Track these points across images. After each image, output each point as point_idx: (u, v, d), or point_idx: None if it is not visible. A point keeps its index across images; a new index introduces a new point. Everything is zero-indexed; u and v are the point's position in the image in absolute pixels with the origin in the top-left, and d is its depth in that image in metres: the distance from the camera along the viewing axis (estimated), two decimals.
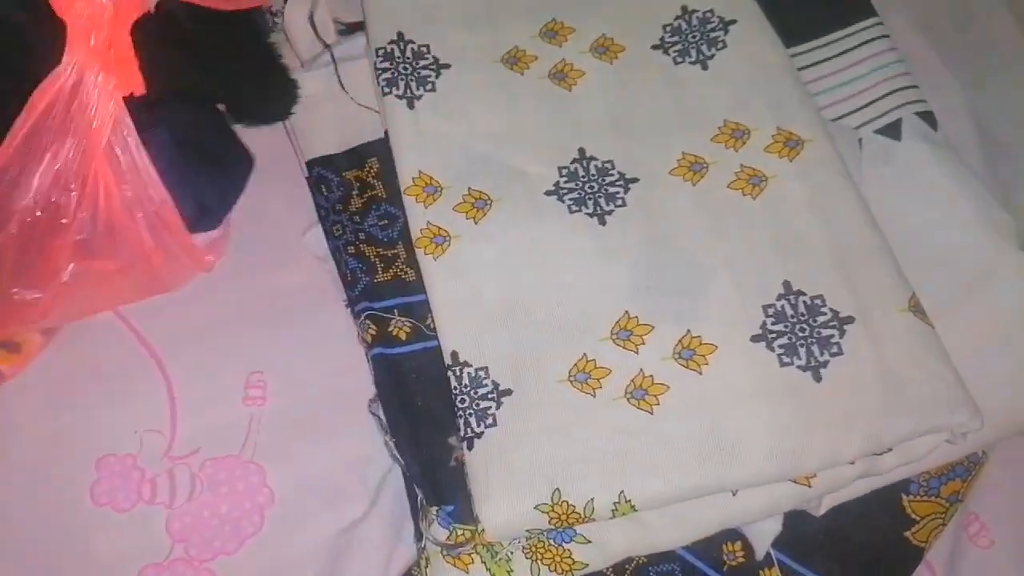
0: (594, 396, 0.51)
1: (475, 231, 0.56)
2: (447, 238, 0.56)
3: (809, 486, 0.51)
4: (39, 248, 0.51)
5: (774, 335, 0.52)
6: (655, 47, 0.62)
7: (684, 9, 0.63)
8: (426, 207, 0.57)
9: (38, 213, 0.50)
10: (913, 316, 0.52)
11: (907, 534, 0.56)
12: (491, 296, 0.54)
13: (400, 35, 0.61)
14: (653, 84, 0.61)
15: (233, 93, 0.60)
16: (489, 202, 0.57)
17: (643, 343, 0.52)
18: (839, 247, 0.54)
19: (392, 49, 0.61)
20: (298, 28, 0.64)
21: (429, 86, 0.60)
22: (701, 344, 0.52)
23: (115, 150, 0.50)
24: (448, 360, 0.53)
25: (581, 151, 0.58)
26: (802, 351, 0.51)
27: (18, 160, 0.48)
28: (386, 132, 0.60)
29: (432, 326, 0.55)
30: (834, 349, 0.51)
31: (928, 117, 0.63)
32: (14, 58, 0.51)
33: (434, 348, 0.55)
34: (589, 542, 0.52)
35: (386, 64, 0.60)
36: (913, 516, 0.56)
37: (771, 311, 0.53)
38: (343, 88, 0.62)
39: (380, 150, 0.60)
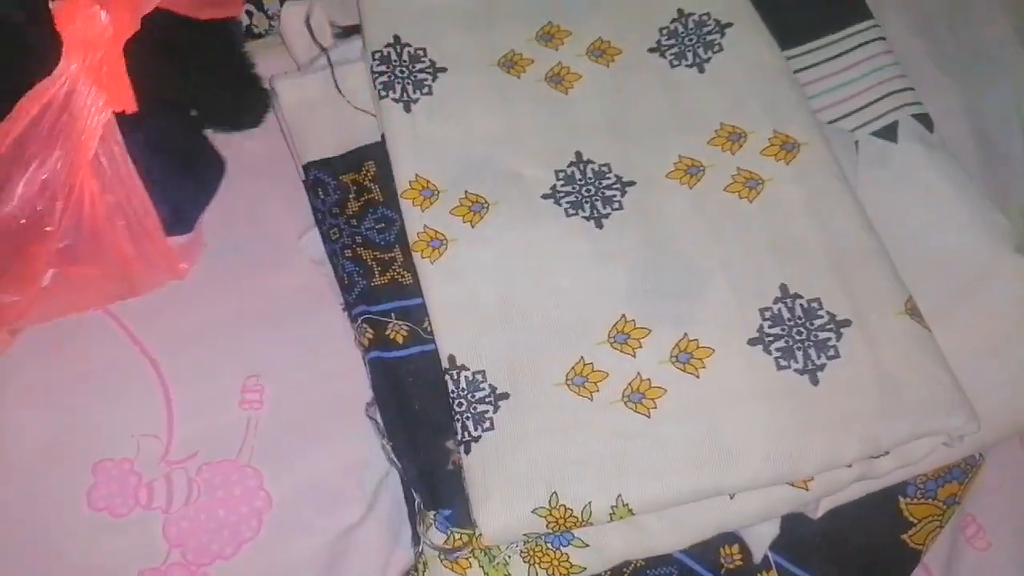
0: (591, 400, 0.51)
1: (472, 235, 0.56)
2: (444, 242, 0.56)
3: (806, 489, 0.51)
4: (21, 253, 0.52)
5: (771, 338, 0.52)
6: (651, 50, 0.62)
7: (680, 12, 0.63)
8: (423, 211, 0.57)
9: (22, 221, 0.50)
10: (910, 319, 0.52)
11: (904, 537, 0.56)
12: (488, 300, 0.54)
13: (396, 38, 0.61)
14: (650, 87, 0.61)
15: (207, 100, 0.61)
16: (486, 205, 0.57)
17: (640, 346, 0.52)
18: (836, 250, 0.54)
19: (388, 52, 0.61)
20: (294, 31, 0.64)
21: (426, 89, 0.60)
22: (698, 347, 0.52)
23: (101, 159, 0.51)
24: (445, 364, 0.53)
25: (578, 154, 0.58)
26: (799, 354, 0.51)
27: (3, 167, 0.48)
28: (383, 135, 0.60)
29: (429, 330, 0.55)
30: (831, 352, 0.51)
31: (924, 119, 0.63)
32: (12, 58, 0.51)
33: (431, 352, 0.55)
34: (587, 546, 0.52)
35: (382, 67, 0.60)
36: (910, 519, 0.56)
37: (768, 314, 0.53)
38: (340, 91, 0.62)
39: (377, 153, 0.60)
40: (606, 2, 0.64)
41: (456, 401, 0.52)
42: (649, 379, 0.51)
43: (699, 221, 0.56)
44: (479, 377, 0.52)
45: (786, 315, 0.53)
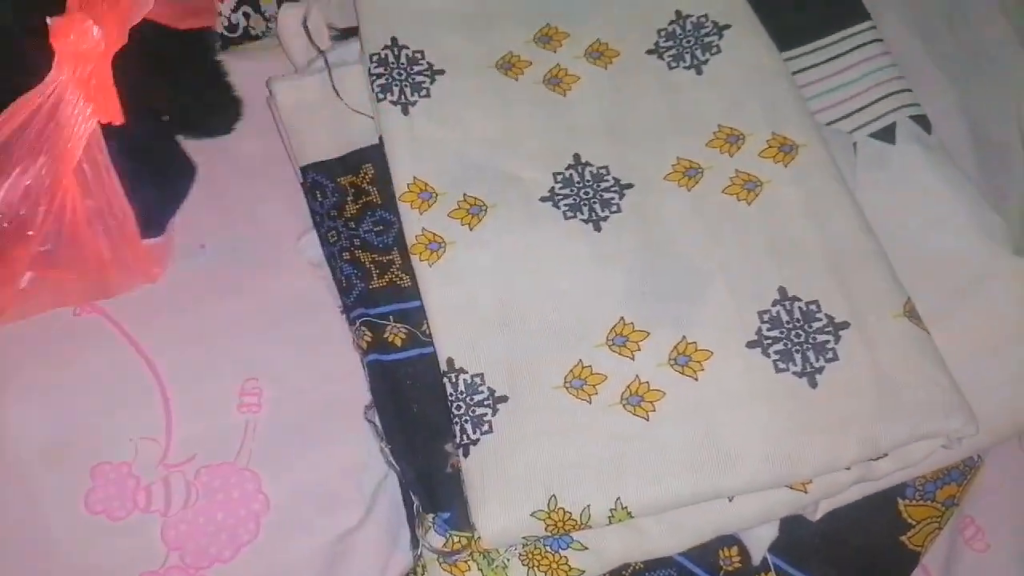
0: (590, 402, 0.51)
1: (470, 237, 0.56)
2: (442, 244, 0.55)
3: (805, 492, 0.51)
4: (1, 257, 0.52)
5: (770, 341, 0.52)
6: (650, 52, 0.62)
7: (678, 14, 0.63)
8: (421, 213, 0.56)
9: (4, 225, 0.50)
10: (908, 321, 0.52)
11: (903, 538, 0.56)
12: (486, 302, 0.54)
13: (394, 40, 0.61)
14: (648, 89, 0.61)
15: (180, 106, 0.62)
16: (484, 208, 0.56)
17: (639, 349, 0.52)
18: (834, 252, 0.54)
19: (386, 55, 0.61)
20: (292, 33, 0.64)
21: (423, 92, 0.60)
22: (697, 350, 0.52)
23: (83, 165, 0.51)
24: (444, 367, 0.53)
25: (576, 157, 0.58)
26: (797, 357, 0.51)
27: None
28: (380, 138, 0.60)
29: (427, 332, 0.55)
30: (829, 355, 0.51)
31: (922, 121, 0.63)
32: (2, 66, 0.51)
33: (430, 354, 0.54)
34: (586, 548, 0.52)
35: (380, 70, 0.60)
36: (909, 520, 0.56)
37: (766, 317, 0.53)
38: (337, 94, 0.62)
39: (375, 156, 0.60)
40: (604, 4, 0.64)
41: (454, 404, 0.52)
42: (648, 382, 0.51)
43: (697, 223, 0.56)
44: (477, 380, 0.52)
45: (784, 317, 0.53)
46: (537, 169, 0.58)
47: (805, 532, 0.55)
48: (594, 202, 0.57)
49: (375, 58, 0.61)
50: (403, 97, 0.60)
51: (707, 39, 0.62)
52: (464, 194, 0.57)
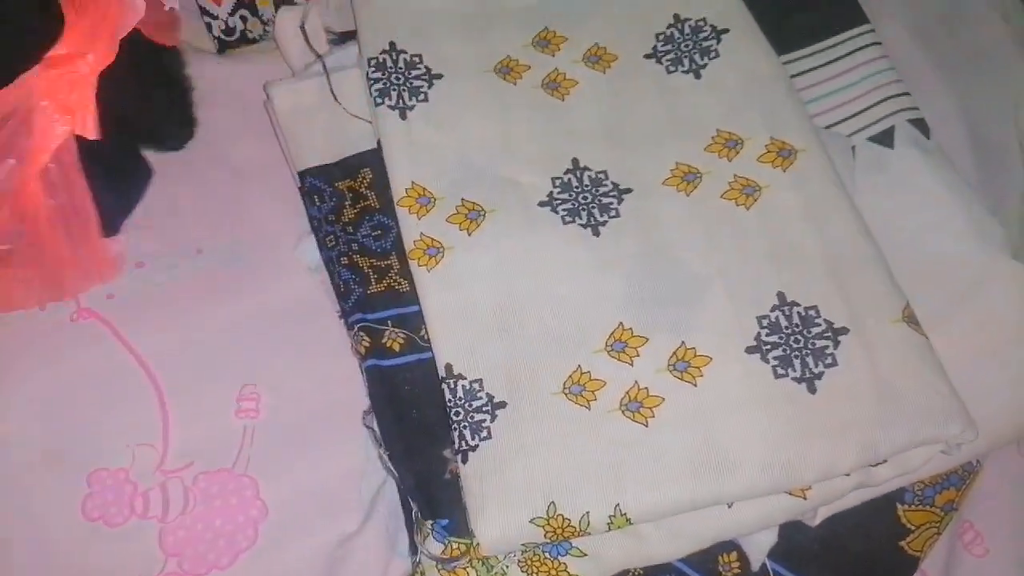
0: (589, 408, 0.51)
1: (469, 242, 0.56)
2: (440, 249, 0.55)
3: (805, 498, 0.51)
4: None
5: (769, 346, 0.52)
6: (648, 56, 0.62)
7: (676, 18, 0.63)
8: (419, 218, 0.56)
9: None
10: (907, 327, 0.52)
11: (902, 543, 0.56)
12: (485, 308, 0.54)
13: (392, 45, 0.61)
14: (646, 93, 0.61)
15: (144, 119, 0.62)
16: (482, 213, 0.56)
17: (638, 355, 0.52)
18: (833, 257, 0.54)
19: (384, 59, 0.61)
20: (289, 37, 0.64)
21: (421, 96, 0.60)
22: (696, 356, 0.52)
23: (50, 166, 0.51)
24: (442, 372, 0.53)
25: (574, 161, 0.58)
26: (797, 362, 0.51)
27: None
28: (379, 142, 0.60)
29: (426, 337, 0.55)
30: (828, 360, 0.51)
31: (920, 124, 0.63)
32: None
33: (428, 360, 0.54)
34: (585, 555, 0.52)
35: (378, 74, 0.60)
36: (908, 525, 0.56)
37: (765, 322, 0.53)
38: (335, 98, 0.61)
39: (373, 160, 0.60)
40: (602, 8, 0.64)
41: (453, 410, 0.51)
42: (647, 388, 0.51)
43: (696, 228, 0.56)
44: (476, 386, 0.52)
45: (783, 323, 0.52)
46: (535, 174, 0.58)
47: (804, 538, 0.55)
48: (592, 207, 0.57)
49: (373, 62, 0.60)
50: (401, 101, 0.59)
51: (705, 43, 0.62)
52: (462, 199, 0.57)
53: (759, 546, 0.54)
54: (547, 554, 0.52)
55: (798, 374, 0.51)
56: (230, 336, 0.61)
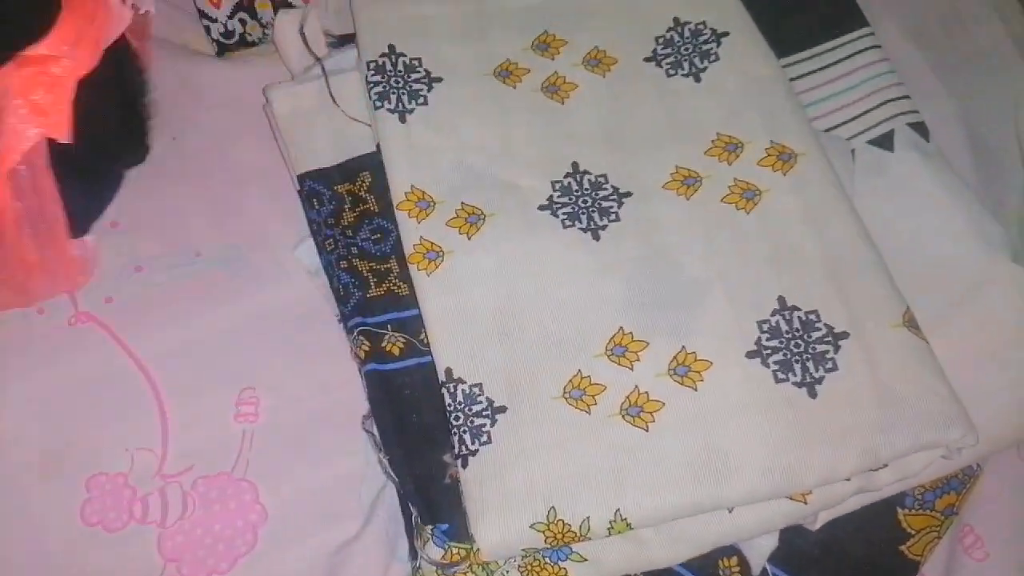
0: (589, 413, 0.51)
1: (468, 246, 0.55)
2: (440, 253, 0.55)
3: (805, 503, 0.51)
4: None
5: (769, 351, 0.52)
6: (648, 59, 0.62)
7: (676, 21, 0.63)
8: (419, 222, 0.56)
9: None
10: (907, 331, 0.52)
11: (903, 548, 0.56)
12: (485, 312, 0.54)
13: (392, 48, 0.61)
14: (646, 97, 0.61)
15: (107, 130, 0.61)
16: (482, 217, 0.56)
17: (638, 359, 0.52)
18: (833, 261, 0.54)
19: (384, 62, 0.60)
20: (288, 40, 0.64)
21: (421, 100, 0.60)
22: (696, 360, 0.52)
23: (19, 167, 0.50)
24: (442, 377, 0.52)
25: (574, 165, 0.58)
26: (797, 367, 0.51)
27: None
28: (378, 145, 0.59)
29: (426, 341, 0.55)
30: (829, 365, 0.51)
31: (920, 128, 0.63)
32: None
33: (428, 364, 0.54)
34: (585, 560, 0.52)
35: (378, 77, 0.60)
36: (908, 530, 0.56)
37: (766, 327, 0.52)
38: (334, 101, 0.61)
39: (372, 163, 0.60)
40: (602, 11, 0.64)
41: (453, 415, 0.51)
42: (647, 392, 0.51)
43: (696, 232, 0.56)
44: (476, 390, 0.52)
45: (784, 327, 0.52)
46: (535, 177, 0.58)
47: (804, 542, 0.55)
48: (592, 211, 0.57)
49: (372, 65, 0.60)
50: (400, 105, 0.59)
51: (705, 46, 0.62)
52: (462, 203, 0.57)
53: (759, 550, 0.54)
54: (547, 559, 0.52)
55: (799, 379, 0.51)
56: (229, 339, 0.61)
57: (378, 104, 0.59)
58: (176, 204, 0.65)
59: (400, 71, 0.60)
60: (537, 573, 0.52)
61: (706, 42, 0.62)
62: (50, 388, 0.59)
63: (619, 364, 0.52)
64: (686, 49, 0.62)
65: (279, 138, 0.62)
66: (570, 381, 0.52)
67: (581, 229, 0.56)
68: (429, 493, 0.52)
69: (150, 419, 0.58)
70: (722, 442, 0.50)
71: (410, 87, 0.60)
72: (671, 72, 0.62)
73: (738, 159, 0.58)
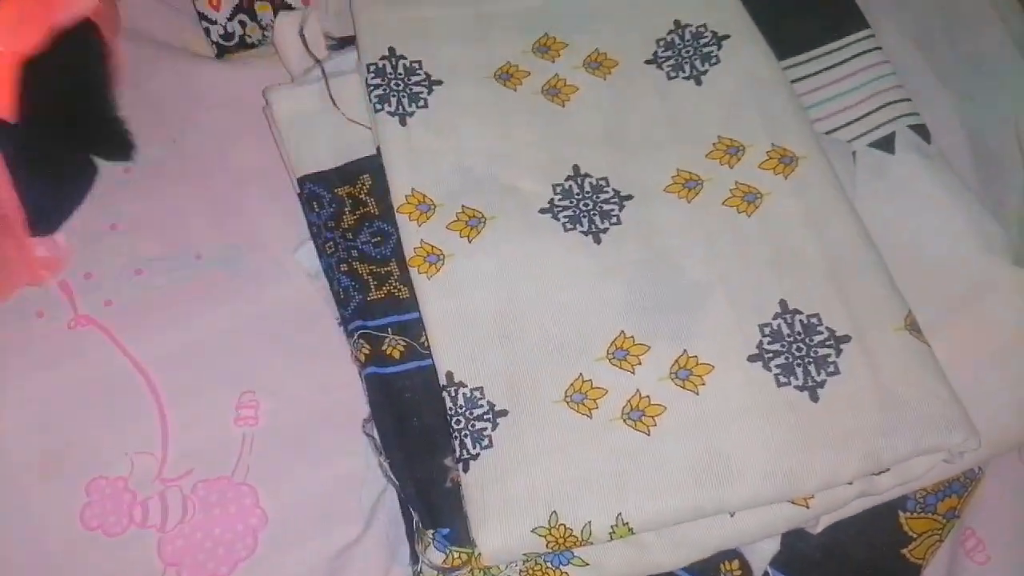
0: (590, 417, 0.51)
1: (469, 249, 0.55)
2: (441, 257, 0.55)
3: (807, 507, 0.51)
4: None
5: (771, 355, 0.52)
6: (648, 62, 0.62)
7: (677, 23, 0.63)
8: (419, 225, 0.56)
9: None
10: (909, 335, 0.52)
11: (904, 551, 0.56)
12: (486, 315, 0.54)
13: (392, 50, 0.61)
14: (647, 99, 0.61)
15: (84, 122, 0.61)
16: (483, 220, 0.56)
17: (639, 363, 0.52)
18: (834, 264, 0.54)
19: (384, 65, 0.60)
20: (288, 42, 0.64)
21: (421, 102, 0.60)
22: (698, 364, 0.52)
23: None
24: (443, 380, 0.52)
25: (575, 168, 0.58)
26: (799, 371, 0.51)
27: None
28: (378, 148, 0.59)
29: (426, 345, 0.54)
30: (831, 368, 0.51)
31: (921, 130, 0.63)
32: None
33: (429, 367, 0.54)
34: (587, 564, 0.51)
35: (378, 80, 0.60)
36: (910, 533, 0.56)
37: (768, 330, 0.52)
38: (334, 104, 0.61)
39: (372, 166, 0.60)
40: (602, 13, 0.64)
41: (454, 418, 0.51)
42: (648, 396, 0.51)
43: (697, 235, 0.56)
44: (477, 394, 0.52)
45: (785, 331, 0.52)
46: (536, 180, 0.58)
47: (806, 546, 0.55)
48: (594, 214, 0.57)
49: (372, 68, 0.60)
50: (401, 107, 0.59)
51: (706, 49, 0.62)
52: (463, 206, 0.57)
53: (761, 554, 0.54)
54: (549, 564, 0.52)
55: (800, 382, 0.51)
56: (229, 342, 0.60)
57: (378, 107, 0.59)
58: (176, 205, 0.64)
59: (400, 74, 0.60)
60: None
61: (707, 44, 0.62)
62: (50, 391, 0.58)
63: (620, 368, 0.52)
64: (687, 52, 0.62)
65: (279, 140, 0.62)
66: (571, 385, 0.52)
67: (582, 232, 0.56)
68: (430, 497, 0.52)
69: (150, 422, 0.58)
70: (724, 446, 0.50)
71: (410, 90, 0.60)
72: (672, 75, 0.61)
73: (739, 162, 0.58)
